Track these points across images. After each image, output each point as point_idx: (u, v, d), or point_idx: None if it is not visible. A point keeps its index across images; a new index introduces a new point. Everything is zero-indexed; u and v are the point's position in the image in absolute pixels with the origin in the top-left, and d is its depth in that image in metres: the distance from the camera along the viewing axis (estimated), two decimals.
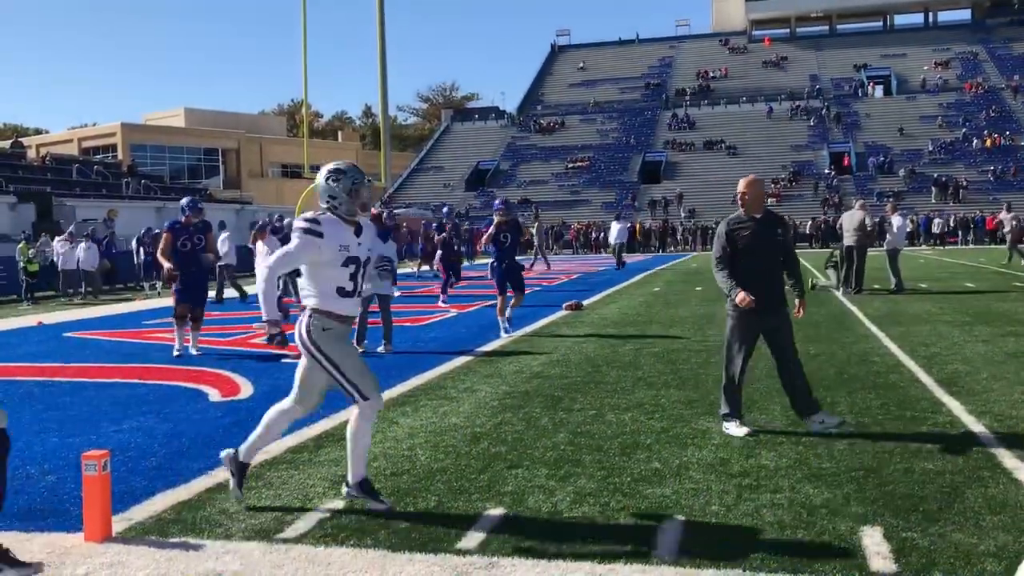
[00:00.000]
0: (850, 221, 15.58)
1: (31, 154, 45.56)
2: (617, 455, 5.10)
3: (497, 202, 11.39)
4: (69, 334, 12.71)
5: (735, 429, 5.51)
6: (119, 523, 4.09)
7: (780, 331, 5.62)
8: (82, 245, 20.41)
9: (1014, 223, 21.13)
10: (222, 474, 4.90)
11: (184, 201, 10.04)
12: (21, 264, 20.10)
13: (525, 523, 3.99)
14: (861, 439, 5.31)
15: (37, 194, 29.86)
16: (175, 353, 9.77)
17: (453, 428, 5.90)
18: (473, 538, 3.82)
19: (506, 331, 10.83)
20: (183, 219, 9.85)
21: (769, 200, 53.98)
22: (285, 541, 3.86)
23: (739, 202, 5.63)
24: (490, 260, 11.07)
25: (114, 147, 59.92)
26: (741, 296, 5.48)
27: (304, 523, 4.07)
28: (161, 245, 9.89)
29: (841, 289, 15.61)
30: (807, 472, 4.65)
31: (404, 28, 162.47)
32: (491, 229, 10.98)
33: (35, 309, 18.10)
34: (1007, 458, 4.81)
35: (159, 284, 22.10)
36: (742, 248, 5.57)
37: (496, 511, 4.16)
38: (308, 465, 5.07)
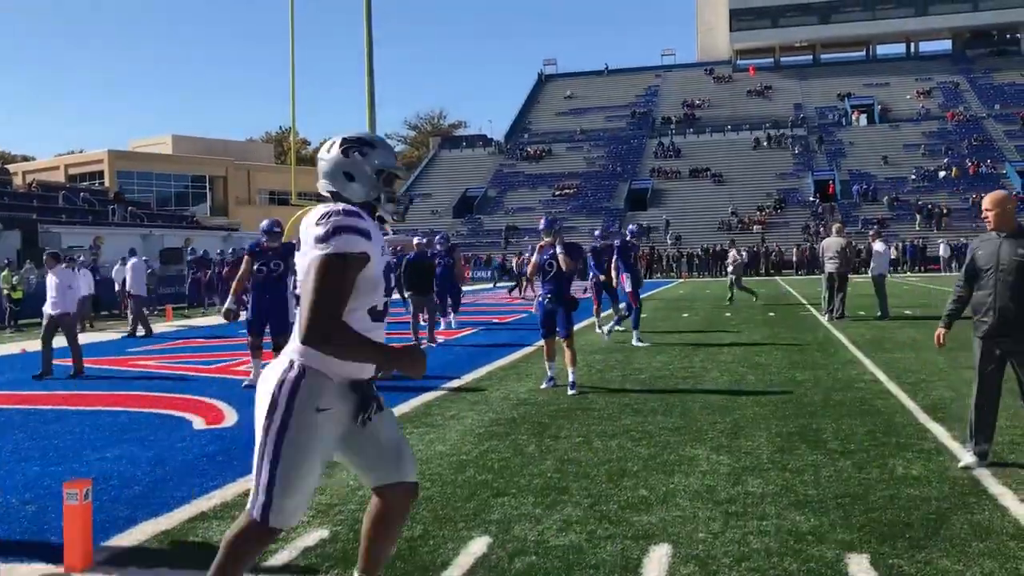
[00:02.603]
0: (830, 247, 15.74)
1: (17, 181, 45.41)
2: (604, 482, 5.08)
3: (542, 222, 9.05)
4: (51, 362, 12.57)
5: (966, 456, 5.26)
6: (100, 553, 4.04)
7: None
8: (83, 271, 20.12)
9: (735, 260, 21.44)
10: (205, 503, 4.86)
11: (264, 224, 9.56)
12: (5, 291, 19.96)
13: (511, 551, 3.97)
14: (847, 465, 5.32)
15: (23, 221, 29.66)
16: (243, 385, 9.26)
17: (439, 456, 5.87)
18: (459, 566, 3.79)
19: (549, 379, 8.83)
20: (263, 243, 9.38)
21: (754, 227, 52.79)
22: (269, 571, 3.82)
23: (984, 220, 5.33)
24: (537, 294, 8.97)
25: (101, 174, 59.77)
26: (936, 333, 5.44)
27: (288, 553, 4.03)
28: (242, 268, 9.42)
29: (826, 315, 15.71)
30: (793, 499, 4.65)
31: (392, 56, 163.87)
32: (535, 256, 8.93)
33: (19, 336, 17.95)
34: (993, 484, 4.83)
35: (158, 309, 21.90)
36: (979, 267, 5.24)
37: (482, 539, 4.13)
38: None
